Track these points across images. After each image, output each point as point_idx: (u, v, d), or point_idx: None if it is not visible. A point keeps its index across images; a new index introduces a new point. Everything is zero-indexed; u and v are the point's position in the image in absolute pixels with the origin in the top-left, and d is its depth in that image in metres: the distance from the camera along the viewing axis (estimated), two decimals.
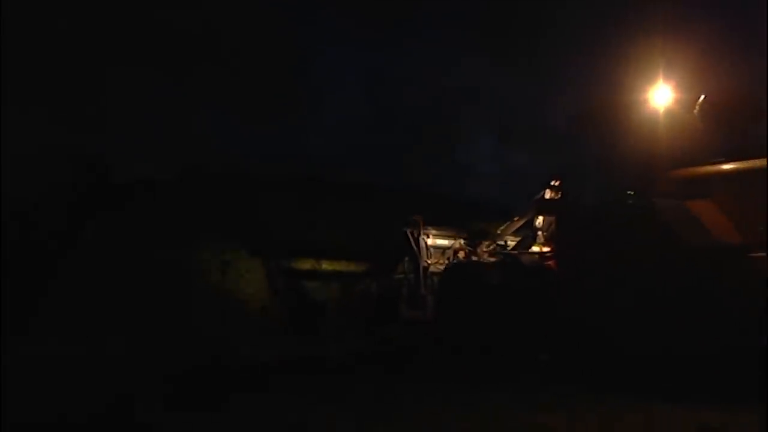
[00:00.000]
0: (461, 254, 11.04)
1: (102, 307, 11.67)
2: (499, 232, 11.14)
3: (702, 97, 8.15)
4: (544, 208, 10.06)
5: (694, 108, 8.17)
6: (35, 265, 12.53)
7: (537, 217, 10.32)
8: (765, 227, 6.93)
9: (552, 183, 10.22)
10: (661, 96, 8.37)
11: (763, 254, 6.83)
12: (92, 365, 8.63)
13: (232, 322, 12.45)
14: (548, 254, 9.65)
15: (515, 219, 10.90)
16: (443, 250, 11.11)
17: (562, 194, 10.10)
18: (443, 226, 11.34)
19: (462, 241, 11.15)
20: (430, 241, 11.03)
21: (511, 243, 11.03)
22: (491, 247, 11.05)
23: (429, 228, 11.09)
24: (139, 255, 13.04)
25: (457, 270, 10.40)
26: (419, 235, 10.99)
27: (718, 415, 5.77)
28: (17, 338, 10.38)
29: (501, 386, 7.43)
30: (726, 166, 7.58)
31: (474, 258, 10.86)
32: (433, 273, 10.83)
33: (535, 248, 10.21)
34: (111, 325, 11.17)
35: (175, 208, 14.14)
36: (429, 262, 10.91)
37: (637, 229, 7.62)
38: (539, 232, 10.31)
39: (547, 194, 10.20)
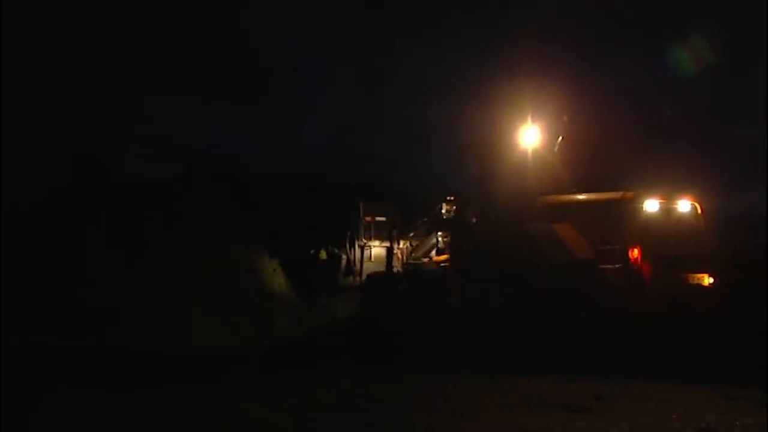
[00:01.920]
0: (395, 233, 13.05)
1: (102, 307, 12.32)
2: (411, 234, 13.05)
3: (560, 138, 10.22)
4: (438, 223, 11.93)
5: (555, 146, 10.25)
6: (35, 265, 12.77)
7: (435, 229, 12.22)
8: (612, 245, 9.07)
9: (448, 198, 12.10)
10: (529, 135, 10.38)
11: (610, 266, 8.98)
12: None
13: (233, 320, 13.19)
14: (445, 262, 11.60)
15: (420, 222, 12.77)
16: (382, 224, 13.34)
17: (456, 209, 12.00)
18: (384, 202, 13.69)
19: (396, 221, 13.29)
20: (369, 218, 13.35)
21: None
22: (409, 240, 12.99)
23: (370, 205, 13.39)
24: (139, 254, 13.54)
25: (374, 279, 12.28)
26: (360, 216, 13.32)
27: (718, 415, 5.73)
28: (16, 339, 10.80)
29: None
30: (579, 197, 9.71)
31: (402, 242, 12.92)
32: (371, 246, 13.34)
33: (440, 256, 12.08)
34: (113, 322, 12.02)
35: (175, 208, 14.52)
36: (365, 240, 13.35)
37: (515, 248, 9.61)
38: (439, 239, 12.21)
39: (444, 208, 12.07)
